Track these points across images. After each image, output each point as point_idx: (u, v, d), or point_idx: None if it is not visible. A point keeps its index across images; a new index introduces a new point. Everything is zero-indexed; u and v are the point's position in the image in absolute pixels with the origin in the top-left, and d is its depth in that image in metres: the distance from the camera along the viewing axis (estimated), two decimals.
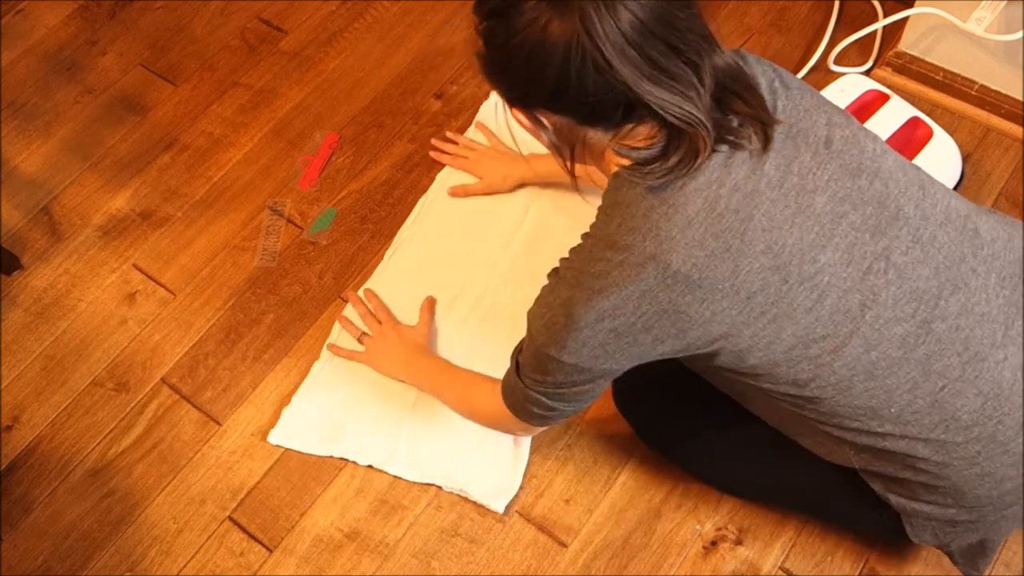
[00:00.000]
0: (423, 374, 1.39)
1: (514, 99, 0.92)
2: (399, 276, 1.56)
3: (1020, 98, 1.59)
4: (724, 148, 0.88)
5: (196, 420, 1.47)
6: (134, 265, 1.63)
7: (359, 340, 1.47)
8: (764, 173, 0.88)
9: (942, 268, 0.94)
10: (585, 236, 0.96)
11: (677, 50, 0.83)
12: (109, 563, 1.37)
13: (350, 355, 1.47)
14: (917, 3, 1.57)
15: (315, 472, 1.41)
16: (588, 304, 0.92)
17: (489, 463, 1.37)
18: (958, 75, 1.63)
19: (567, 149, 0.94)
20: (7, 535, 1.40)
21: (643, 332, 0.92)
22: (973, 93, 1.63)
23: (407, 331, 1.46)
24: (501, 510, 1.35)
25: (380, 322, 1.48)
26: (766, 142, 0.89)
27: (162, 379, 1.51)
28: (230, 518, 1.39)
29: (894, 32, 1.70)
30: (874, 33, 1.72)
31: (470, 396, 1.25)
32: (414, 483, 1.39)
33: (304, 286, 1.58)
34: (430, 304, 1.51)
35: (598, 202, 0.96)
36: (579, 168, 0.98)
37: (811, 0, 1.83)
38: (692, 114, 0.83)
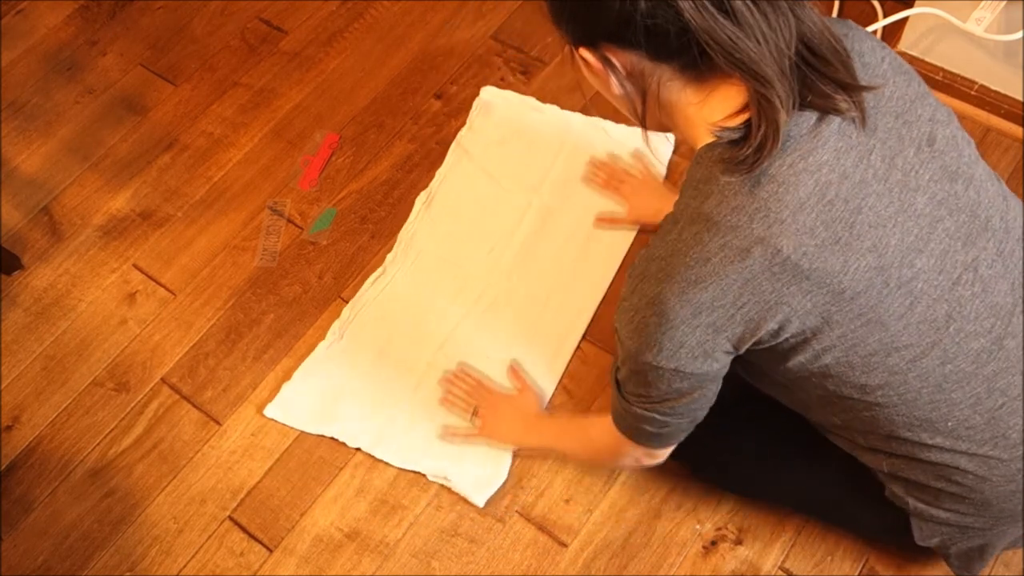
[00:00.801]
0: (545, 436, 1.36)
1: (581, 36, 0.84)
2: (403, 273, 1.56)
3: (1020, 98, 1.59)
4: (833, 123, 0.82)
5: (196, 420, 1.47)
6: (134, 265, 1.64)
7: (473, 415, 1.41)
8: (871, 163, 0.83)
9: (1017, 284, 0.92)
10: (671, 218, 0.87)
11: None
12: (109, 563, 1.37)
13: (467, 438, 1.39)
14: (917, 3, 1.57)
15: (315, 472, 1.41)
16: (683, 297, 0.84)
17: (473, 456, 1.38)
18: (958, 75, 1.63)
19: (639, 96, 0.87)
20: (7, 535, 1.40)
21: (741, 324, 0.85)
22: (973, 93, 1.63)
23: (518, 399, 1.41)
24: (482, 504, 1.35)
25: (488, 395, 1.42)
26: (862, 113, 0.83)
27: (162, 379, 1.51)
28: (230, 518, 1.39)
29: (894, 32, 1.70)
30: (874, 33, 1.72)
31: (589, 439, 1.19)
32: (414, 483, 1.39)
33: (304, 286, 1.58)
34: (516, 370, 1.44)
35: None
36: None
37: (811, 0, 1.82)
38: (763, 57, 0.77)
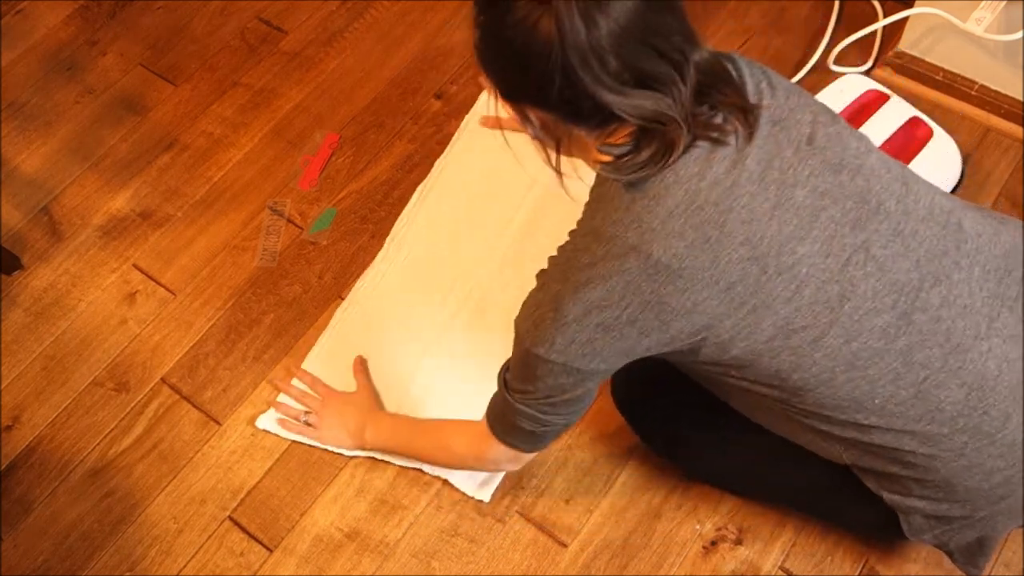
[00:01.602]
0: (387, 433, 1.36)
1: (503, 92, 0.93)
2: (393, 271, 1.56)
3: (1020, 98, 1.59)
4: (704, 144, 0.89)
5: (196, 420, 1.47)
6: (134, 265, 1.64)
7: (305, 422, 1.41)
8: (745, 168, 0.90)
9: (923, 261, 0.95)
10: (572, 233, 0.98)
11: (659, 51, 0.84)
12: (109, 563, 1.37)
13: (301, 431, 1.41)
14: (917, 3, 1.57)
15: (315, 472, 1.41)
16: (575, 296, 0.93)
17: None
18: (958, 75, 1.63)
19: (552, 143, 0.95)
20: (7, 535, 1.40)
21: (628, 325, 0.93)
22: (973, 93, 1.63)
23: (352, 397, 1.42)
24: (487, 499, 1.35)
25: (320, 396, 1.43)
26: (750, 133, 0.90)
27: (162, 379, 1.51)
28: (230, 518, 1.39)
29: (894, 32, 1.70)
30: (874, 33, 1.72)
31: (445, 441, 1.24)
32: (414, 483, 1.39)
33: (304, 286, 1.58)
34: (362, 364, 1.46)
35: (584, 197, 0.97)
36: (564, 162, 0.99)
37: (811, 0, 1.83)
38: (664, 114, 0.85)
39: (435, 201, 1.63)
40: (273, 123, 1.78)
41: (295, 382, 1.47)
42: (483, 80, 0.95)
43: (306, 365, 1.49)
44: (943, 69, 1.64)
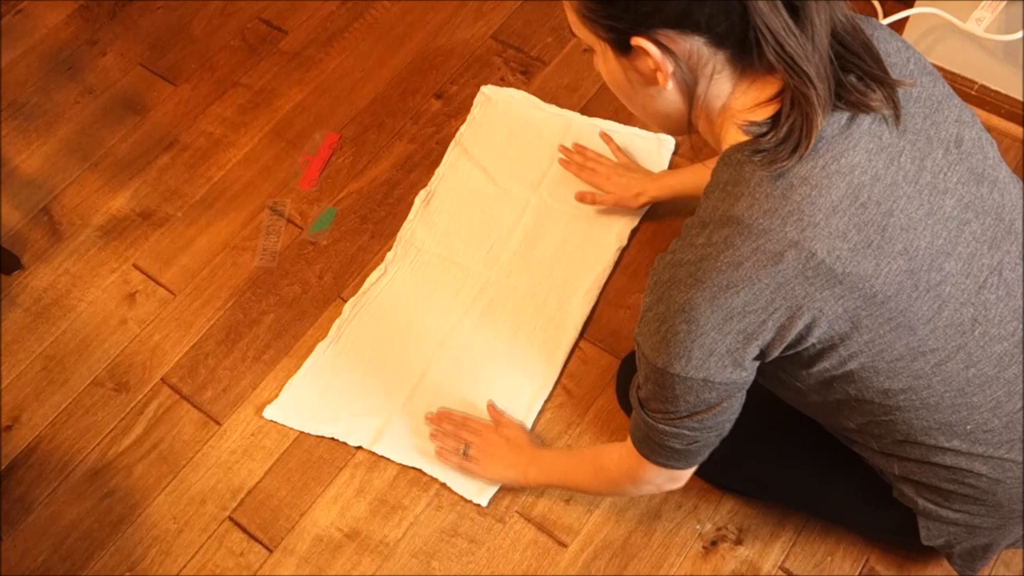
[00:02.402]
0: (545, 467, 1.29)
1: (638, 22, 0.80)
2: (402, 272, 1.56)
3: (1020, 98, 1.59)
4: (863, 123, 0.81)
5: (196, 420, 1.47)
6: (134, 265, 1.64)
7: (464, 454, 1.35)
8: (901, 165, 0.82)
9: None
10: (696, 222, 0.85)
11: None
12: (109, 563, 1.37)
13: (461, 464, 1.35)
14: (917, 3, 1.57)
15: (315, 472, 1.41)
16: (714, 302, 0.81)
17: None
18: (958, 75, 1.63)
19: (686, 90, 0.83)
20: (7, 535, 1.40)
21: (772, 331, 0.83)
22: (973, 93, 1.63)
23: (507, 432, 1.36)
24: (485, 504, 1.35)
25: (478, 432, 1.37)
26: (897, 114, 0.82)
27: (162, 379, 1.51)
28: (230, 518, 1.39)
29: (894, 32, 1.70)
30: None
31: (601, 469, 1.14)
32: (414, 483, 1.39)
33: (304, 286, 1.58)
34: (493, 406, 1.41)
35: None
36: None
37: None
38: (809, 55, 0.76)
39: (439, 205, 1.63)
40: (273, 123, 1.78)
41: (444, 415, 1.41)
42: (585, 34, 0.82)
43: (310, 362, 1.49)
44: (943, 69, 1.64)
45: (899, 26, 1.66)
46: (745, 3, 0.75)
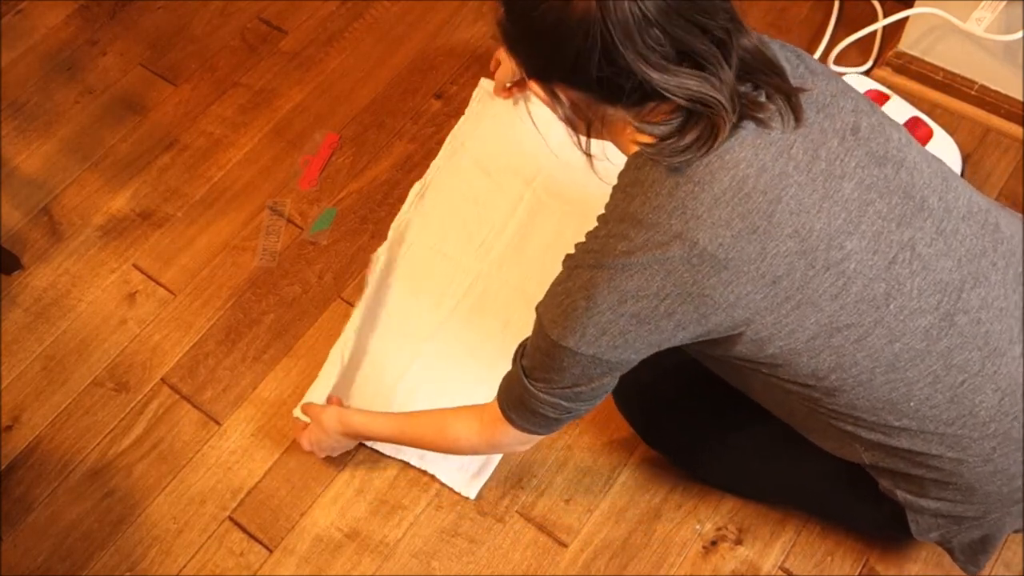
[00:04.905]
0: (378, 424, 1.27)
1: (531, 71, 0.90)
2: (394, 267, 1.56)
3: (1020, 98, 1.59)
4: (750, 125, 0.86)
5: (196, 420, 1.47)
6: (134, 265, 1.64)
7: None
8: (792, 156, 0.87)
9: (964, 261, 0.93)
10: (602, 218, 0.93)
11: (704, 28, 0.81)
12: (109, 563, 1.37)
13: (311, 451, 1.37)
14: (917, 3, 1.57)
15: (315, 472, 1.41)
16: (611, 284, 0.89)
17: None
18: (958, 75, 1.63)
19: (583, 125, 0.92)
20: (7, 535, 1.40)
21: (665, 317, 0.90)
22: (973, 93, 1.63)
23: (318, 419, 1.33)
24: (473, 496, 1.35)
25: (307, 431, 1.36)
26: (797, 116, 0.87)
27: (162, 379, 1.51)
28: (230, 518, 1.39)
29: (894, 32, 1.70)
30: (874, 33, 1.72)
31: (446, 426, 1.17)
32: (414, 483, 1.39)
33: (304, 286, 1.58)
34: (308, 406, 1.38)
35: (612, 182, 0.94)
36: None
37: (811, 0, 1.83)
38: (708, 95, 0.82)
39: (434, 197, 1.63)
40: (273, 123, 1.78)
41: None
42: (504, 58, 0.91)
43: (323, 375, 1.46)
44: (943, 69, 1.64)
45: (899, 26, 1.66)
46: (644, 76, 0.81)
